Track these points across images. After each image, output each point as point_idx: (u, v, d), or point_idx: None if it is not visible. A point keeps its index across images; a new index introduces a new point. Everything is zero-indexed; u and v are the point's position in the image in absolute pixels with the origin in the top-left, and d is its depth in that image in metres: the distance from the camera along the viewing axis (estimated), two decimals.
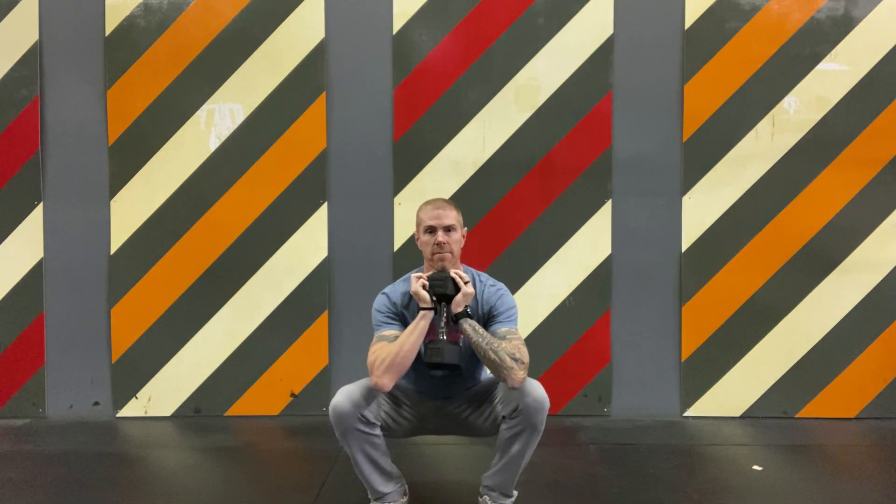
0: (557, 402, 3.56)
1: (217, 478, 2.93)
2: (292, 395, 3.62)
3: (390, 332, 2.37)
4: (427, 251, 2.43)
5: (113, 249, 3.62)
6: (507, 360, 2.22)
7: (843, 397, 3.54)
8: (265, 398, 3.63)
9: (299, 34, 3.56)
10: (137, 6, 3.56)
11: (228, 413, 3.63)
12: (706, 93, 3.52)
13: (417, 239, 2.49)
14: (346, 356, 3.60)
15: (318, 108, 3.58)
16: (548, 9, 3.53)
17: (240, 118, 3.58)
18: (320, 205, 3.60)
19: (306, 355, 3.61)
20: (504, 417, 2.31)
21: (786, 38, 3.50)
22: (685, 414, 3.58)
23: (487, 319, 2.42)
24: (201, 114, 3.58)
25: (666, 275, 3.58)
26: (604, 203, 3.57)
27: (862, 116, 3.49)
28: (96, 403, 3.66)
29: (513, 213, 3.56)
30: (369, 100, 3.58)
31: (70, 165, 3.62)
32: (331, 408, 2.30)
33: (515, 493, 2.43)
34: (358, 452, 2.34)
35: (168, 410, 3.64)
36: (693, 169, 3.55)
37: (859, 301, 3.52)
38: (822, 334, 3.54)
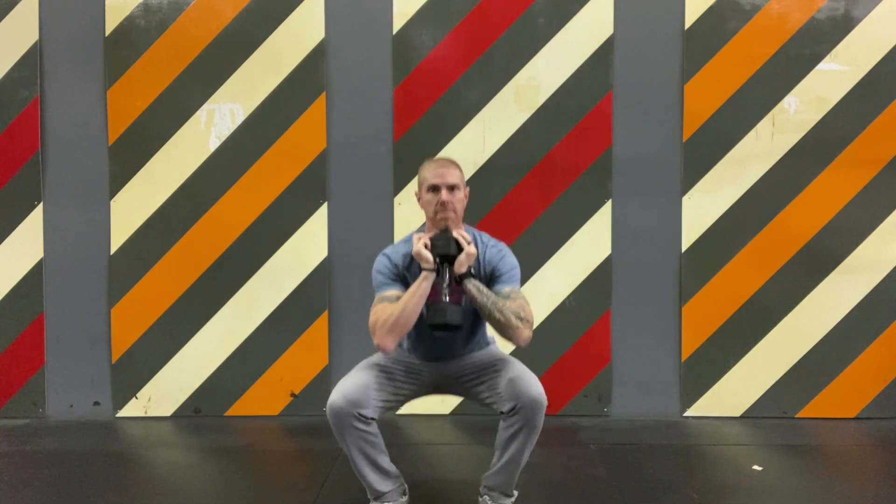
0: (557, 402, 3.56)
1: (217, 478, 2.93)
2: (292, 395, 3.62)
3: (392, 292, 2.34)
4: (430, 210, 2.39)
5: (113, 249, 3.62)
6: (513, 319, 2.21)
7: (843, 397, 3.54)
8: (265, 398, 3.62)
9: (299, 34, 3.56)
10: (137, 6, 3.56)
11: (228, 413, 3.63)
12: (706, 93, 3.52)
13: (419, 198, 2.45)
14: (346, 356, 3.60)
15: (318, 108, 3.58)
16: (548, 9, 3.53)
17: (240, 118, 3.58)
18: (320, 205, 3.60)
19: (306, 355, 3.61)
20: (503, 414, 2.30)
21: (786, 38, 3.50)
22: (685, 414, 3.58)
23: (490, 280, 2.38)
24: (201, 114, 3.58)
25: (666, 275, 3.58)
26: (604, 203, 3.57)
27: (862, 116, 3.49)
28: (96, 403, 3.66)
29: (513, 213, 3.56)
30: (369, 100, 3.58)
31: (70, 165, 3.62)
32: (327, 406, 2.29)
33: (515, 492, 2.43)
34: (355, 450, 2.33)
35: (168, 410, 3.64)
36: (693, 169, 3.55)
37: (859, 301, 3.52)
38: (822, 334, 3.54)
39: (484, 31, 3.54)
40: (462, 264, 2.28)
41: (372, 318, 2.29)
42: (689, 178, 3.55)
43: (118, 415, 3.64)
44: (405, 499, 2.46)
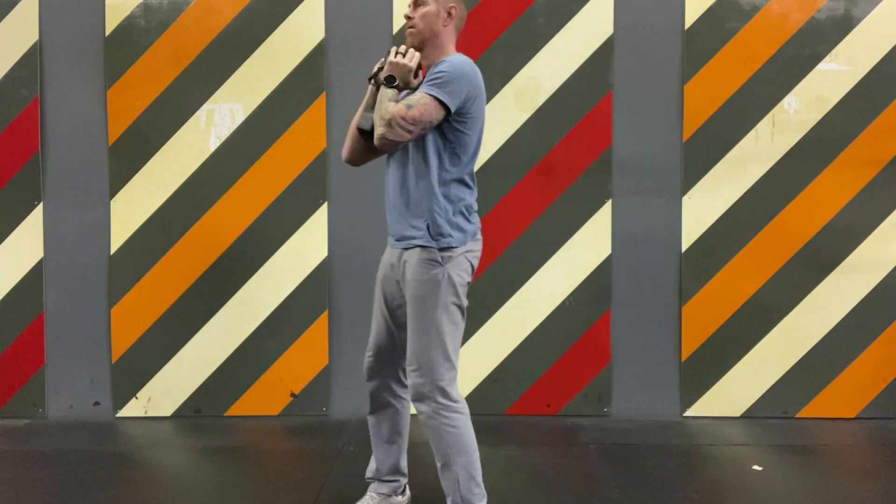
0: (557, 402, 3.56)
1: (217, 478, 2.94)
2: (292, 395, 3.62)
3: None
4: None
5: (113, 249, 3.62)
6: (378, 119, 2.18)
7: (843, 397, 3.54)
8: (265, 398, 3.62)
9: (299, 34, 3.56)
10: (137, 6, 3.56)
11: (228, 413, 3.63)
12: (706, 93, 3.52)
13: None
14: (346, 356, 3.60)
15: (318, 108, 3.58)
16: (548, 9, 3.53)
17: (240, 118, 3.58)
18: (320, 205, 3.60)
19: (306, 355, 3.61)
20: None
21: (786, 38, 3.50)
22: (685, 414, 3.58)
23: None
24: (201, 114, 3.58)
25: (666, 275, 3.58)
26: (604, 203, 3.56)
27: (862, 116, 3.49)
28: (96, 403, 3.66)
29: (513, 213, 3.56)
30: None
31: (70, 165, 3.62)
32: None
33: None
34: (376, 411, 2.43)
35: (168, 410, 3.64)
36: (693, 169, 3.55)
37: (859, 301, 3.52)
38: (822, 334, 3.54)
39: (484, 31, 3.54)
40: (385, 73, 2.26)
41: None
42: (689, 178, 3.55)
43: (118, 415, 3.64)
44: (406, 497, 2.46)
